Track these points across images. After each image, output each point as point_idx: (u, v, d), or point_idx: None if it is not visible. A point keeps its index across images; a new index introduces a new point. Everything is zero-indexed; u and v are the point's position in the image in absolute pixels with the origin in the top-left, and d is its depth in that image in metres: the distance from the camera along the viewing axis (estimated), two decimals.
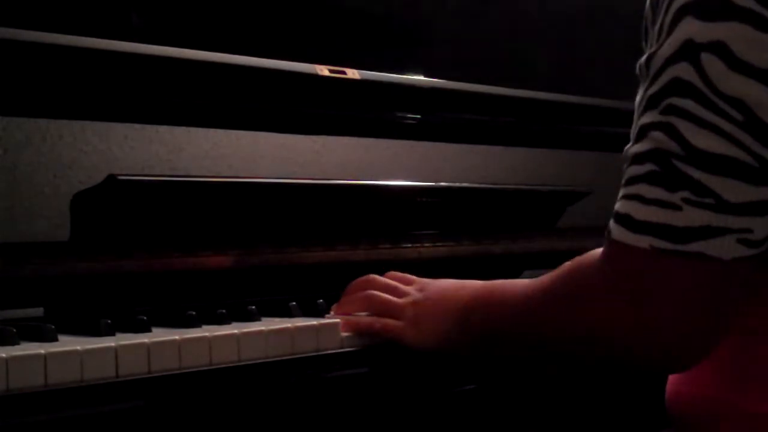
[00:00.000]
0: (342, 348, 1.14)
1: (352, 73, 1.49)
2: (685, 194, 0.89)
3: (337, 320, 1.15)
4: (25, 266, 1.13)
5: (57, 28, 1.20)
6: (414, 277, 1.25)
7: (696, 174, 0.89)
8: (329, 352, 1.12)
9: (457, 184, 1.60)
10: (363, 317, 1.19)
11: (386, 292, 1.21)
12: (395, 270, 1.29)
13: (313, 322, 1.13)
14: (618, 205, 0.95)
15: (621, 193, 0.95)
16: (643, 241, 0.91)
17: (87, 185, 1.19)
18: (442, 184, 1.57)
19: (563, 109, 1.83)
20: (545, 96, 1.80)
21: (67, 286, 1.17)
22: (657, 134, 0.91)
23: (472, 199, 1.63)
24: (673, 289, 0.92)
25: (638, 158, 0.93)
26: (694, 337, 0.94)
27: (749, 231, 0.90)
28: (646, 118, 0.93)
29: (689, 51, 0.89)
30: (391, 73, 1.56)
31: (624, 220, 0.93)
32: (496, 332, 1.09)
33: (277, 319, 1.15)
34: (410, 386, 1.21)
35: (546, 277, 1.04)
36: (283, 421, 1.09)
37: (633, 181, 0.93)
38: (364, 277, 1.25)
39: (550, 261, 1.70)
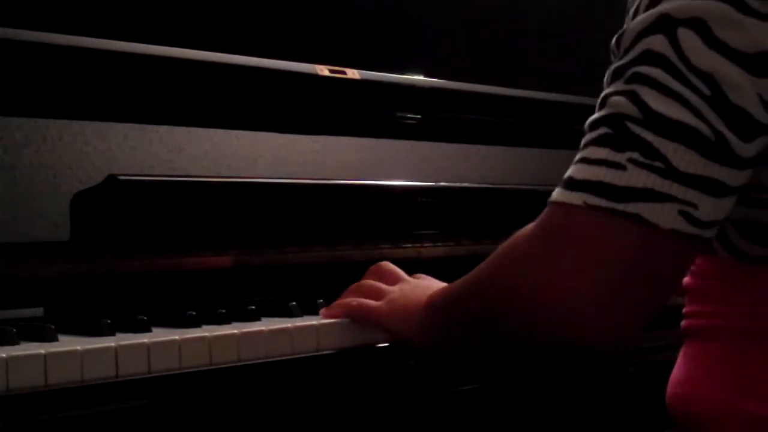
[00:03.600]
0: (342, 348, 1.14)
1: (352, 73, 1.49)
2: (634, 155, 0.87)
3: (337, 320, 1.15)
4: (25, 266, 1.14)
5: (57, 28, 1.20)
6: (403, 275, 1.22)
7: (648, 136, 0.87)
8: (329, 352, 1.12)
9: (457, 184, 1.60)
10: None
11: (388, 277, 1.21)
12: None
13: (313, 322, 1.13)
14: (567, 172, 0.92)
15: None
16: (577, 198, 0.88)
17: (87, 185, 1.19)
18: (442, 184, 1.57)
19: (563, 109, 1.83)
20: (545, 96, 1.80)
21: (67, 286, 1.17)
22: (617, 99, 0.89)
23: (472, 199, 1.63)
24: (601, 250, 0.87)
25: (593, 124, 0.91)
26: (615, 306, 0.88)
27: (693, 205, 0.87)
28: (611, 88, 0.91)
29: (665, 24, 0.88)
30: (391, 73, 1.56)
31: (564, 182, 0.91)
32: (449, 323, 1.04)
33: (277, 319, 1.15)
34: (411, 386, 1.21)
35: (488, 258, 1.00)
36: (283, 421, 1.09)
37: (583, 147, 0.91)
38: (376, 264, 1.26)
39: None
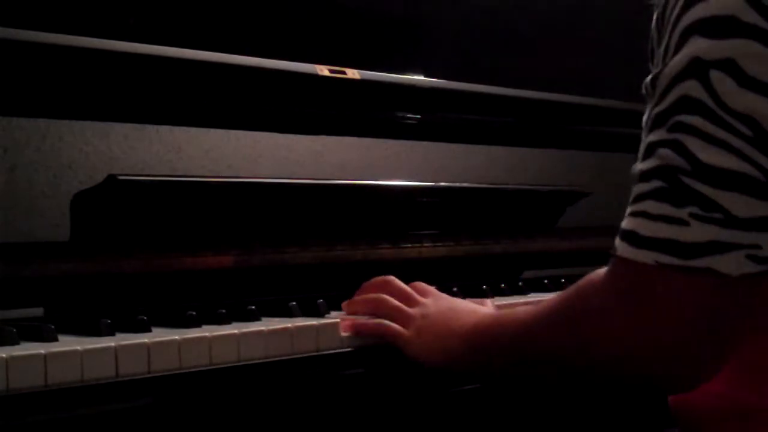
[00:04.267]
0: (342, 348, 1.14)
1: (352, 73, 1.49)
2: (693, 209, 0.88)
3: (337, 320, 1.15)
4: (25, 266, 1.14)
5: (57, 28, 1.20)
6: (432, 289, 1.24)
7: (704, 189, 0.88)
8: (329, 352, 1.12)
9: (457, 184, 1.60)
10: (371, 320, 1.19)
11: (400, 298, 1.21)
12: (395, 270, 1.29)
13: (313, 322, 1.13)
14: (624, 223, 0.94)
15: (627, 211, 0.94)
16: (649, 257, 0.90)
17: (87, 185, 1.19)
18: (442, 184, 1.57)
19: (563, 109, 1.83)
20: (545, 96, 1.80)
21: (67, 286, 1.17)
22: (664, 151, 0.90)
23: (472, 199, 1.63)
24: (679, 306, 0.90)
25: (645, 175, 0.92)
26: (700, 356, 0.93)
27: (758, 247, 0.89)
28: (654, 136, 0.92)
29: (697, 68, 0.89)
30: (391, 73, 1.56)
31: (629, 236, 0.92)
32: (503, 354, 1.08)
33: (277, 319, 1.15)
34: (411, 386, 1.21)
35: (551, 299, 1.03)
36: (283, 421, 1.09)
37: (639, 198, 0.92)
38: (382, 278, 1.25)
39: (550, 261, 1.71)
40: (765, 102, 0.87)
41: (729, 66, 0.88)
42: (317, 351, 1.11)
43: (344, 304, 1.24)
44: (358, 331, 1.16)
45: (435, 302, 1.20)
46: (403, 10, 1.68)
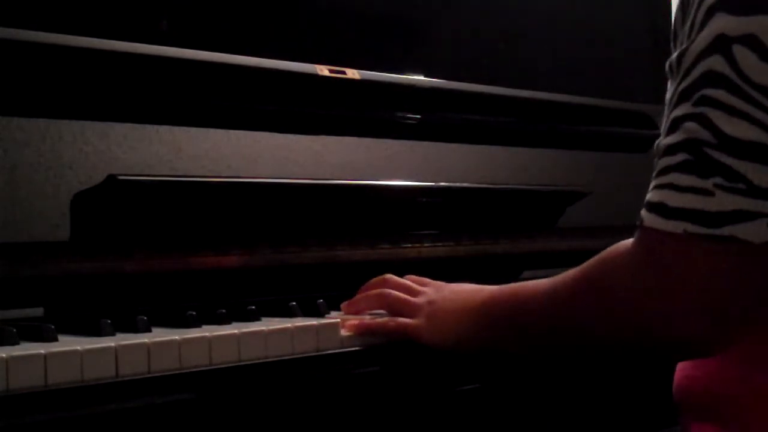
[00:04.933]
0: (342, 348, 1.14)
1: (352, 73, 1.49)
2: (718, 180, 0.92)
3: (337, 320, 1.15)
4: (25, 266, 1.14)
5: (57, 28, 1.20)
6: (429, 280, 1.25)
7: (728, 160, 0.91)
8: (329, 352, 1.12)
9: (457, 184, 1.60)
10: (375, 318, 1.19)
11: (401, 291, 1.22)
12: (395, 270, 1.29)
13: (313, 322, 1.13)
14: (650, 195, 0.96)
15: (653, 184, 0.97)
16: (678, 227, 0.93)
17: (87, 185, 1.19)
18: (442, 184, 1.57)
19: (563, 109, 1.83)
20: (545, 96, 1.80)
21: (67, 286, 1.17)
22: (690, 125, 0.93)
23: (472, 199, 1.63)
24: (706, 274, 0.94)
25: (671, 149, 0.95)
26: (725, 321, 0.95)
27: None
28: (679, 111, 0.95)
29: (722, 44, 0.92)
30: (391, 73, 1.56)
31: (658, 207, 0.95)
32: (524, 324, 1.10)
33: (277, 319, 1.15)
34: (411, 386, 1.21)
35: (573, 270, 1.05)
36: (283, 421, 1.09)
37: (666, 171, 0.95)
38: (380, 277, 1.26)
39: (550, 261, 1.71)
40: None
41: (751, 41, 0.91)
42: (317, 351, 1.11)
43: (344, 305, 1.24)
44: (365, 331, 1.16)
45: (437, 289, 1.21)
46: (403, 10, 1.68)
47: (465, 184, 1.61)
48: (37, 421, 0.89)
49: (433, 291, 1.21)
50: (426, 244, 1.53)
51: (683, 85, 0.95)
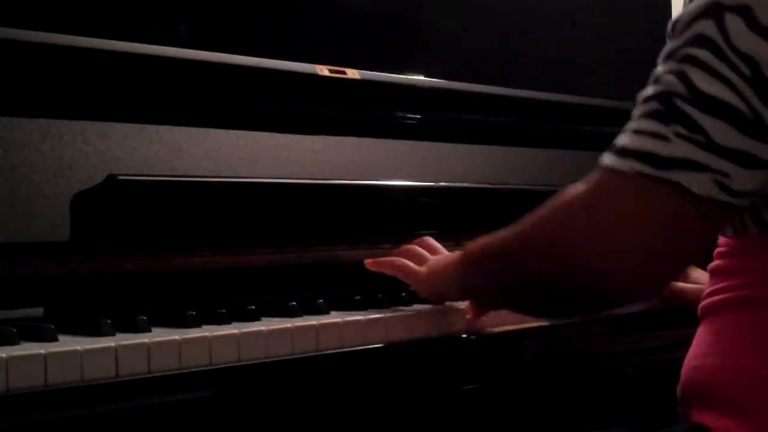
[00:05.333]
0: (342, 348, 1.14)
1: (352, 73, 1.49)
2: (678, 128, 0.96)
3: (337, 320, 1.15)
4: (25, 266, 1.13)
5: (57, 28, 1.20)
6: (443, 249, 1.36)
7: (693, 113, 0.95)
8: (329, 352, 1.12)
9: (457, 184, 1.60)
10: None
11: (413, 258, 1.33)
12: None
13: (313, 322, 1.13)
14: (616, 140, 1.00)
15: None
16: (627, 165, 0.97)
17: (87, 185, 1.19)
18: (442, 184, 1.57)
19: (563, 109, 1.83)
20: (545, 96, 1.80)
21: (67, 286, 1.17)
22: (668, 77, 0.97)
23: (472, 199, 1.63)
24: (646, 212, 0.98)
25: (647, 99, 0.99)
26: (657, 261, 1.00)
27: (727, 175, 0.95)
28: (663, 67, 0.99)
29: (714, 10, 0.96)
30: (391, 73, 1.56)
31: (616, 149, 1.00)
32: (490, 269, 1.14)
33: (277, 319, 1.15)
34: (411, 386, 1.21)
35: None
36: (283, 421, 1.09)
37: (635, 118, 0.99)
38: (404, 247, 1.37)
39: None
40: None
41: (744, 11, 0.95)
42: (317, 351, 1.11)
43: (368, 261, 1.34)
44: (378, 268, 1.31)
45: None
46: (403, 10, 1.68)
47: (465, 184, 1.61)
48: (37, 421, 0.89)
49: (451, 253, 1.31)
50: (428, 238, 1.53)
51: (674, 44, 0.99)
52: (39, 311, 1.14)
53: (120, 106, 1.27)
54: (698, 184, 0.95)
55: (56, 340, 0.98)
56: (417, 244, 1.36)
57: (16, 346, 0.95)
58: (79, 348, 0.93)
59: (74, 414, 0.91)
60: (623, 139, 0.99)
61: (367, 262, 1.33)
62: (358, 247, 1.41)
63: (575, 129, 1.88)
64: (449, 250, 1.56)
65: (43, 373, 0.90)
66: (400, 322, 1.22)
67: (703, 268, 1.19)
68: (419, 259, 1.31)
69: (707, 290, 1.12)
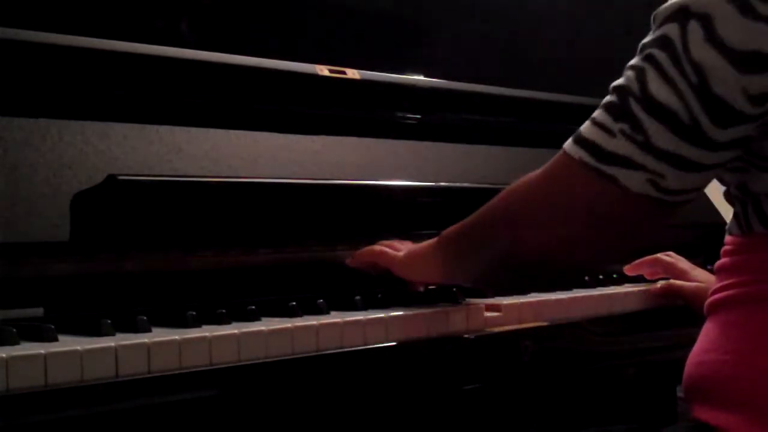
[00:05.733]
0: (342, 348, 1.14)
1: (352, 73, 1.49)
2: (624, 126, 1.03)
3: (338, 320, 1.15)
4: (25, 266, 1.13)
5: (57, 28, 1.20)
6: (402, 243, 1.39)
7: (640, 114, 1.02)
8: (329, 352, 1.12)
9: (457, 184, 1.60)
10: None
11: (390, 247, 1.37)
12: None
13: (313, 322, 1.13)
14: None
15: None
16: (576, 152, 1.06)
17: (87, 185, 1.19)
18: (442, 184, 1.57)
19: (563, 109, 1.83)
20: (545, 96, 1.80)
21: (67, 286, 1.17)
22: (630, 73, 1.04)
23: (472, 199, 1.63)
24: (583, 199, 1.07)
25: (612, 89, 1.07)
26: (587, 246, 1.11)
27: (661, 176, 1.02)
28: (634, 60, 1.05)
29: (682, 15, 1.01)
30: (391, 73, 1.56)
31: (575, 133, 1.09)
32: (461, 248, 1.23)
33: (276, 319, 1.15)
34: (411, 386, 1.21)
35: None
36: (283, 421, 1.09)
37: (599, 107, 1.07)
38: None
39: None
40: (719, 59, 0.98)
41: (705, 20, 0.99)
42: (317, 351, 1.11)
43: (348, 261, 1.38)
44: (357, 260, 1.35)
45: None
46: (403, 10, 1.68)
47: (465, 184, 1.61)
48: (37, 421, 0.89)
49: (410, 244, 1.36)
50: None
51: (646, 40, 1.05)
52: (39, 311, 1.14)
53: (120, 106, 1.27)
54: (632, 181, 1.02)
55: (56, 340, 0.98)
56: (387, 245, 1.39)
57: (16, 346, 0.95)
58: (79, 348, 0.93)
59: (74, 414, 0.91)
60: (584, 125, 1.08)
61: (348, 261, 1.37)
62: (358, 247, 1.40)
63: (575, 129, 1.88)
64: None
65: (43, 373, 0.90)
66: (400, 322, 1.22)
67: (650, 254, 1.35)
68: (395, 249, 1.35)
69: (713, 288, 1.13)
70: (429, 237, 1.53)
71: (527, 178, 1.15)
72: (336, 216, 1.43)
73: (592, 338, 1.43)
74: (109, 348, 0.95)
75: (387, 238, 1.47)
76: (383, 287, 1.33)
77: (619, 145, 1.03)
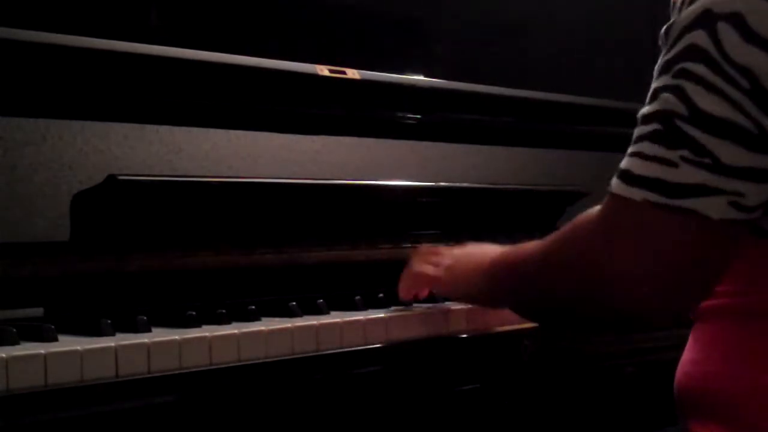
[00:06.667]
0: (342, 348, 1.14)
1: (352, 73, 1.49)
2: (684, 152, 0.93)
3: (337, 320, 1.15)
4: (25, 266, 1.13)
5: (57, 28, 1.20)
6: (441, 249, 1.32)
7: (696, 134, 0.92)
8: (329, 352, 1.12)
9: (457, 184, 1.60)
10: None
11: (426, 263, 1.30)
12: (395, 270, 1.29)
13: (313, 322, 1.13)
14: (622, 162, 0.98)
15: (627, 152, 0.98)
16: (638, 194, 0.95)
17: (87, 185, 1.19)
18: (442, 184, 1.57)
19: (563, 109, 1.83)
20: (545, 96, 1.80)
21: (67, 286, 1.17)
22: (666, 95, 0.95)
23: (472, 199, 1.63)
24: (662, 242, 0.95)
25: (646, 118, 0.96)
26: (676, 290, 0.98)
27: (741, 195, 0.93)
28: (659, 82, 0.96)
29: (707, 19, 0.93)
30: (391, 73, 1.56)
31: (623, 175, 0.97)
32: (514, 288, 1.15)
33: (277, 319, 1.15)
34: (411, 386, 1.21)
35: (554, 234, 1.08)
36: (283, 421, 1.09)
37: (638, 139, 0.97)
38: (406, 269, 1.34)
39: None
40: (762, 56, 0.91)
41: (736, 19, 0.91)
42: (317, 351, 1.11)
43: (401, 294, 1.30)
44: (402, 290, 1.27)
45: (451, 255, 1.28)
46: (403, 10, 1.68)
47: (465, 184, 1.61)
48: (37, 421, 0.89)
49: (448, 257, 1.28)
50: (426, 244, 1.53)
51: (667, 56, 0.96)
52: (39, 311, 1.14)
53: (120, 106, 1.27)
54: (713, 208, 0.93)
55: (56, 340, 0.98)
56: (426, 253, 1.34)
57: (16, 346, 0.95)
58: (79, 348, 0.93)
59: (74, 414, 0.91)
60: (629, 163, 0.97)
61: (401, 294, 1.29)
62: (358, 247, 1.41)
63: (575, 129, 1.88)
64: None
65: (43, 373, 0.90)
66: (400, 322, 1.22)
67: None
68: (435, 258, 1.29)
69: None
70: (429, 237, 1.54)
71: (586, 226, 1.02)
72: (336, 216, 1.43)
73: (591, 338, 1.43)
74: (109, 348, 0.95)
75: (387, 238, 1.47)
76: (384, 287, 1.33)
77: (687, 174, 0.93)
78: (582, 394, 1.45)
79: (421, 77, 1.63)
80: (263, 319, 1.15)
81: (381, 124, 1.57)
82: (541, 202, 1.76)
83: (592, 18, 1.98)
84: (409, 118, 1.61)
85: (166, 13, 1.36)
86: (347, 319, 1.17)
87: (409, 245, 1.51)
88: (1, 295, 1.11)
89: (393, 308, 1.27)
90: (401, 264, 1.33)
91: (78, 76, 1.22)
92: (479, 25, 1.78)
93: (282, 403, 1.09)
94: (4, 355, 0.88)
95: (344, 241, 1.43)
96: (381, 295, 1.30)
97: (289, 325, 1.10)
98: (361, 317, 1.18)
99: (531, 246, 1.11)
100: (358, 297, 1.27)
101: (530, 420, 1.40)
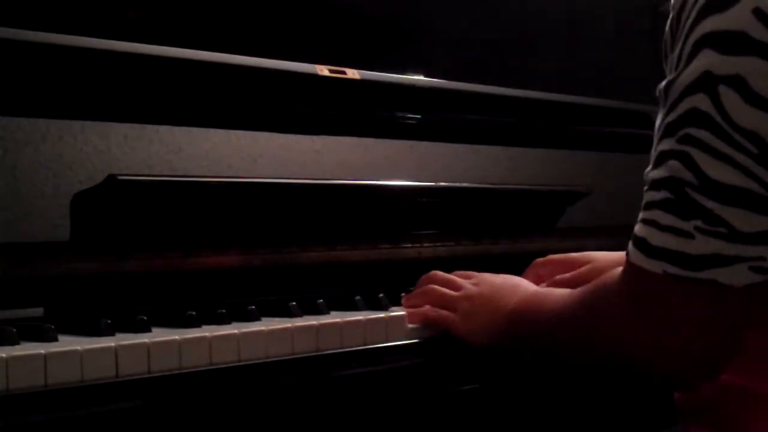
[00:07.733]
0: (342, 348, 1.14)
1: (352, 73, 1.49)
2: (698, 223, 0.92)
3: (337, 320, 1.15)
4: (25, 266, 1.13)
5: (57, 28, 1.20)
6: (474, 273, 1.31)
7: (709, 204, 0.91)
8: (329, 352, 1.12)
9: (457, 184, 1.60)
10: (423, 308, 1.26)
11: (445, 286, 1.27)
12: (395, 270, 1.29)
13: (313, 322, 1.13)
14: (636, 228, 0.97)
15: (640, 216, 0.97)
16: (657, 267, 0.94)
17: (87, 185, 1.19)
18: (442, 184, 1.57)
19: (563, 109, 1.83)
20: (545, 96, 1.80)
21: (67, 286, 1.17)
22: (673, 163, 0.93)
23: (472, 199, 1.63)
24: (685, 314, 0.95)
25: (655, 184, 0.95)
26: (705, 360, 0.97)
27: (762, 259, 0.92)
28: (664, 145, 0.95)
29: (707, 82, 0.91)
30: (391, 73, 1.56)
31: (640, 244, 0.96)
32: (535, 340, 1.15)
33: (276, 319, 1.15)
34: (411, 386, 1.21)
35: (578, 291, 1.08)
36: (283, 421, 1.09)
37: (650, 206, 0.96)
38: (427, 274, 1.32)
39: None
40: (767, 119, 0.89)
41: (737, 82, 0.90)
42: (317, 351, 1.11)
43: (403, 300, 1.29)
44: (413, 320, 1.22)
45: (478, 284, 1.26)
46: (403, 10, 1.68)
47: (465, 184, 1.61)
48: (37, 421, 0.89)
49: (473, 286, 1.26)
50: (426, 244, 1.53)
51: (669, 118, 0.95)
52: (39, 311, 1.14)
53: (120, 106, 1.27)
54: (735, 277, 0.92)
55: (56, 340, 0.98)
56: (429, 280, 1.31)
57: (16, 346, 0.95)
58: (79, 348, 0.93)
59: (74, 414, 0.91)
60: (644, 231, 0.96)
61: (405, 304, 1.28)
62: (358, 247, 1.41)
63: (575, 129, 1.88)
64: (449, 250, 1.56)
65: (43, 373, 0.90)
66: (400, 322, 1.22)
67: None
68: (447, 303, 1.25)
69: None
70: (429, 237, 1.54)
71: (607, 298, 1.02)
72: (336, 216, 1.43)
73: None
74: (109, 348, 0.95)
75: (387, 238, 1.47)
76: (384, 287, 1.33)
77: (704, 245, 0.92)
78: (582, 394, 1.45)
79: (421, 77, 1.63)
80: (263, 319, 1.15)
81: (381, 124, 1.57)
82: (541, 202, 1.76)
83: (592, 18, 1.98)
84: (409, 118, 1.61)
85: (167, 13, 1.36)
86: (347, 319, 1.17)
87: (409, 245, 1.51)
88: (1, 295, 1.11)
89: (393, 308, 1.27)
90: (401, 264, 1.33)
91: (78, 76, 1.22)
92: (479, 25, 1.78)
93: (282, 403, 1.09)
94: (4, 355, 0.88)
95: (344, 241, 1.43)
96: (381, 295, 1.30)
97: (289, 325, 1.10)
98: (361, 317, 1.18)
99: (559, 297, 1.11)
100: (358, 297, 1.27)
101: (530, 420, 1.40)
